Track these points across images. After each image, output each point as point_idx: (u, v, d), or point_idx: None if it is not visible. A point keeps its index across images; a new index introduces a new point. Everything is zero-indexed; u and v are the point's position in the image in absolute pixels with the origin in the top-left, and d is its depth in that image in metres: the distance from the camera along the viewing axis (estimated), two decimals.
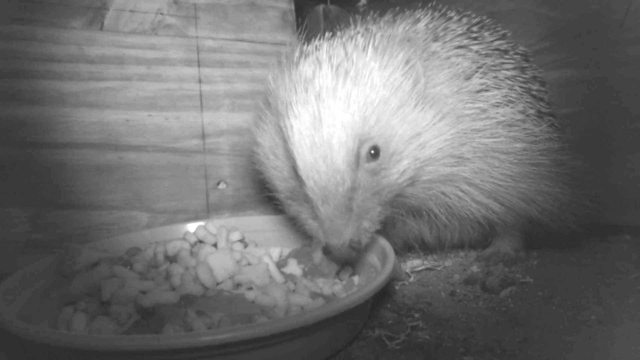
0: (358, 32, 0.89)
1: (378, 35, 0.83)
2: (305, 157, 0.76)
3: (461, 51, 0.91)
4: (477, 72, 0.87)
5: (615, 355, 0.66)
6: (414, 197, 0.86)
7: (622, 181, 1.11)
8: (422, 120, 0.80)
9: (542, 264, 1.02)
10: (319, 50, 0.83)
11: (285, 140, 0.80)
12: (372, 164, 0.78)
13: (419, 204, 0.89)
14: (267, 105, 0.91)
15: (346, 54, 0.80)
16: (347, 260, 0.82)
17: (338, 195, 0.74)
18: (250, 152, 0.98)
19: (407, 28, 0.93)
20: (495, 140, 0.85)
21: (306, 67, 0.80)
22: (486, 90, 0.87)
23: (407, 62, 0.80)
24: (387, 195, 0.81)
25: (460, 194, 0.89)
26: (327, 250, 0.78)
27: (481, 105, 0.85)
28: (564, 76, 1.18)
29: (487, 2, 1.29)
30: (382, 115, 0.78)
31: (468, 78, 0.86)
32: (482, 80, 0.87)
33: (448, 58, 0.88)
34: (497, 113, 0.86)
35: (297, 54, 0.85)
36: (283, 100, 0.81)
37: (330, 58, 0.79)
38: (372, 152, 0.77)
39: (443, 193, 0.88)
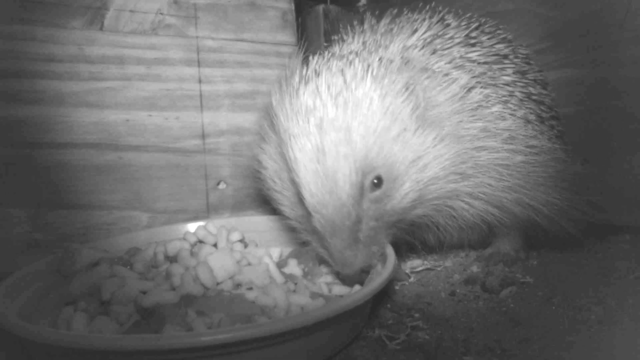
0: (355, 53, 0.87)
1: (376, 62, 0.81)
2: (311, 190, 0.76)
3: (460, 62, 0.90)
4: (475, 87, 0.87)
5: (616, 355, 0.66)
6: (425, 215, 0.87)
7: (622, 181, 1.11)
8: (423, 143, 0.80)
9: (542, 264, 1.02)
10: (318, 77, 0.81)
11: (290, 169, 0.81)
12: (376, 193, 0.78)
13: (426, 218, 0.90)
14: (272, 128, 0.90)
15: (345, 82, 0.78)
16: (360, 281, 0.83)
17: (345, 228, 0.75)
18: (256, 175, 0.99)
19: (404, 44, 0.91)
20: (496, 155, 0.85)
21: (306, 97, 0.79)
22: (486, 106, 0.87)
23: (407, 88, 0.79)
24: (392, 218, 0.81)
25: (464, 205, 0.90)
26: (339, 274, 0.82)
27: (480, 124, 0.85)
28: (564, 76, 1.18)
29: (487, 2, 1.29)
30: (384, 144, 0.77)
31: (468, 92, 0.86)
32: (481, 97, 0.87)
33: (446, 74, 0.86)
34: (497, 129, 0.86)
35: (296, 78, 0.84)
36: (285, 129, 0.80)
37: (329, 87, 0.78)
38: (376, 181, 0.77)
39: (449, 206, 0.89)
